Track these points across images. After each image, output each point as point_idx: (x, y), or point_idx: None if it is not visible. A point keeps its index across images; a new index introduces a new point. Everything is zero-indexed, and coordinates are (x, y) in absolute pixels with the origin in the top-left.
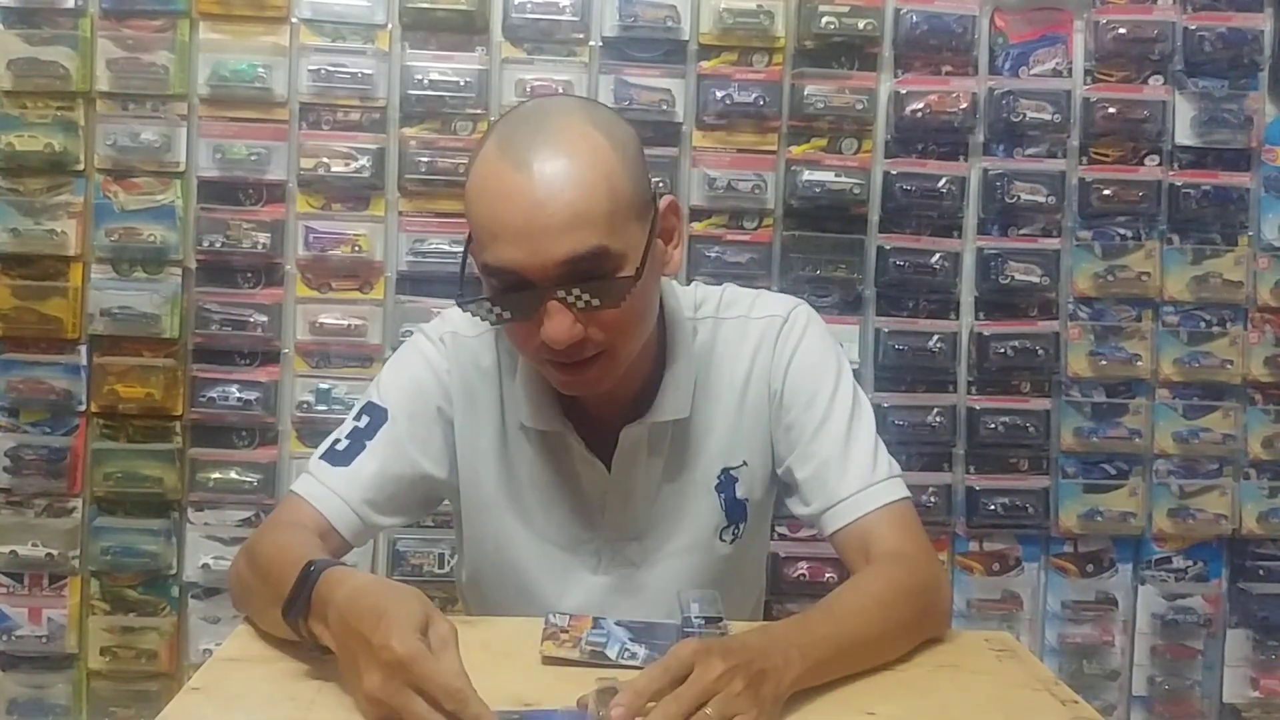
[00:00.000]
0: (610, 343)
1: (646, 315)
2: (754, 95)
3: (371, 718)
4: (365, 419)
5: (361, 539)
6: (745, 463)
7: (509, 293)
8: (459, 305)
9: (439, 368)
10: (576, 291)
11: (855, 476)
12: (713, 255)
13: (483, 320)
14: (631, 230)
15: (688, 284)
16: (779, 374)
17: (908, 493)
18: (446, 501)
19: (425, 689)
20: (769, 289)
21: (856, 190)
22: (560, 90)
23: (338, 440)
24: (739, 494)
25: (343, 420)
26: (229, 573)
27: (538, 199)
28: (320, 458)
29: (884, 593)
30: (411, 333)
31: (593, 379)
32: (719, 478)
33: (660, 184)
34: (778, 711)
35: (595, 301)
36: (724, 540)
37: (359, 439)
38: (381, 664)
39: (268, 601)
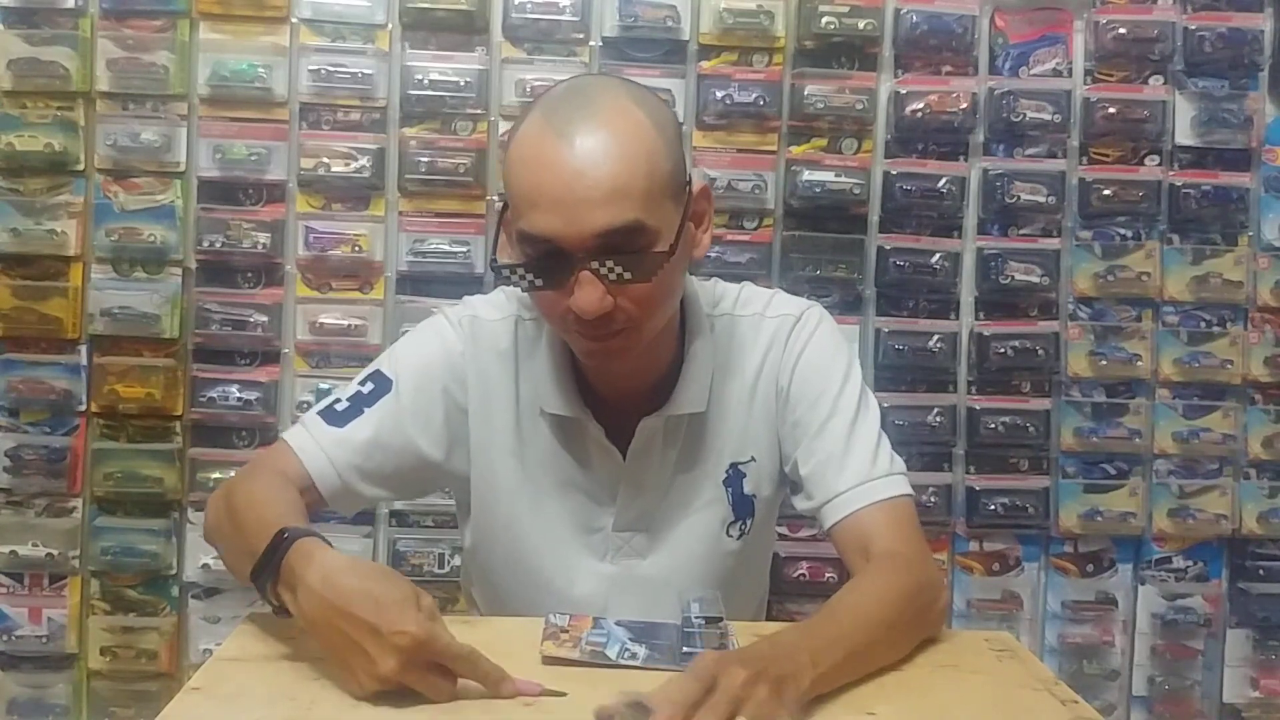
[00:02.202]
0: (636, 317)
1: (673, 294)
2: (754, 95)
3: (367, 691)
4: (370, 385)
5: (341, 502)
6: (753, 458)
7: (543, 260)
8: (492, 269)
9: (454, 351)
10: (610, 264)
11: (854, 472)
12: (713, 255)
13: (514, 285)
14: (667, 208)
15: (709, 280)
16: (787, 371)
17: (910, 490)
18: (449, 500)
19: (447, 664)
20: (783, 291)
21: (856, 190)
22: None
23: (338, 400)
24: (747, 490)
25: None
26: (207, 507)
27: (578, 169)
28: (317, 413)
29: (884, 595)
30: (408, 327)
31: (616, 350)
32: (727, 472)
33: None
34: (801, 714)
35: (627, 275)
36: (731, 535)
37: (358, 404)
38: (398, 649)
39: (239, 553)
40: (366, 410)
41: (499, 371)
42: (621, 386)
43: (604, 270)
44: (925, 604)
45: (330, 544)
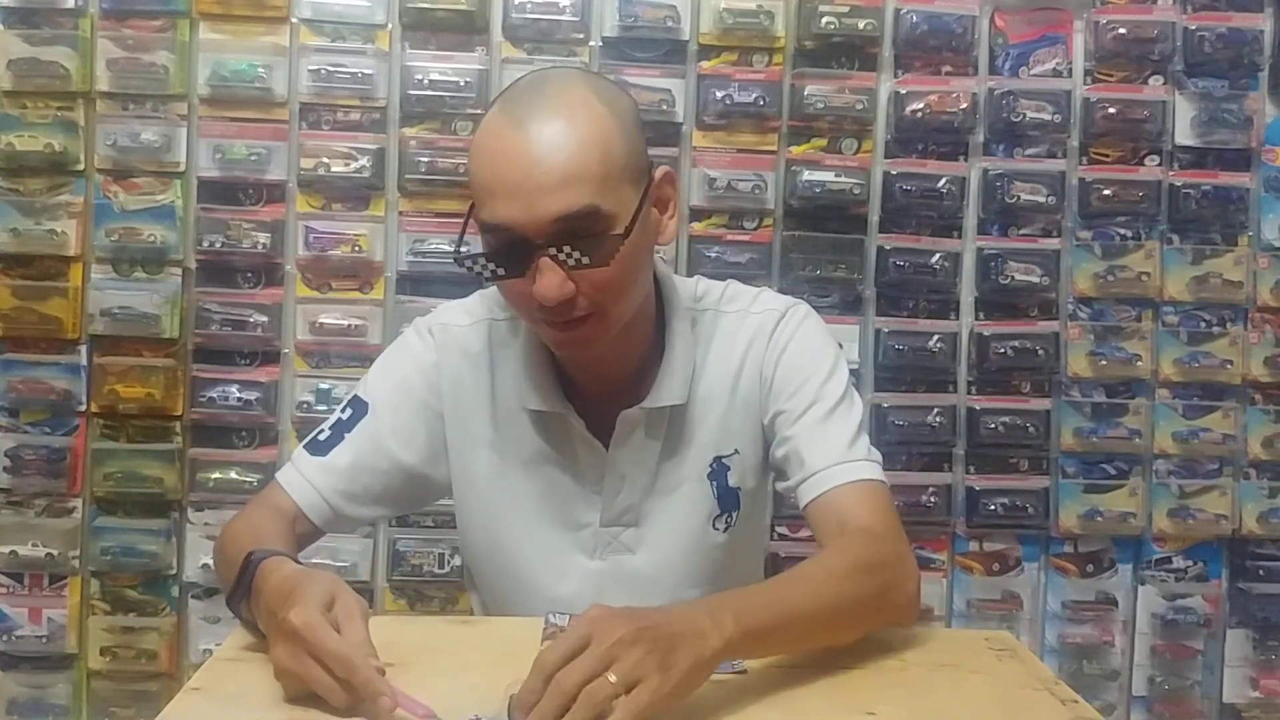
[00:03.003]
0: (600, 303)
1: (636, 279)
2: (754, 95)
3: (289, 690)
4: (349, 412)
5: (335, 527)
6: (737, 451)
7: (504, 249)
8: (455, 262)
9: (425, 362)
10: (567, 249)
11: (831, 452)
12: (713, 255)
13: (478, 275)
14: (624, 193)
15: (692, 277)
16: (771, 363)
17: (884, 479)
18: (449, 500)
19: (320, 658)
20: (770, 289)
21: (856, 190)
22: None
23: (321, 431)
24: (731, 482)
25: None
26: (213, 548)
27: (533, 157)
28: (303, 446)
29: (839, 566)
30: (407, 327)
31: (584, 337)
32: (711, 465)
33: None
34: (696, 679)
35: (585, 259)
36: (717, 528)
37: (339, 431)
38: (284, 635)
39: (226, 582)
40: (347, 436)
41: (472, 375)
42: (600, 378)
43: (562, 256)
44: (887, 581)
45: (299, 562)
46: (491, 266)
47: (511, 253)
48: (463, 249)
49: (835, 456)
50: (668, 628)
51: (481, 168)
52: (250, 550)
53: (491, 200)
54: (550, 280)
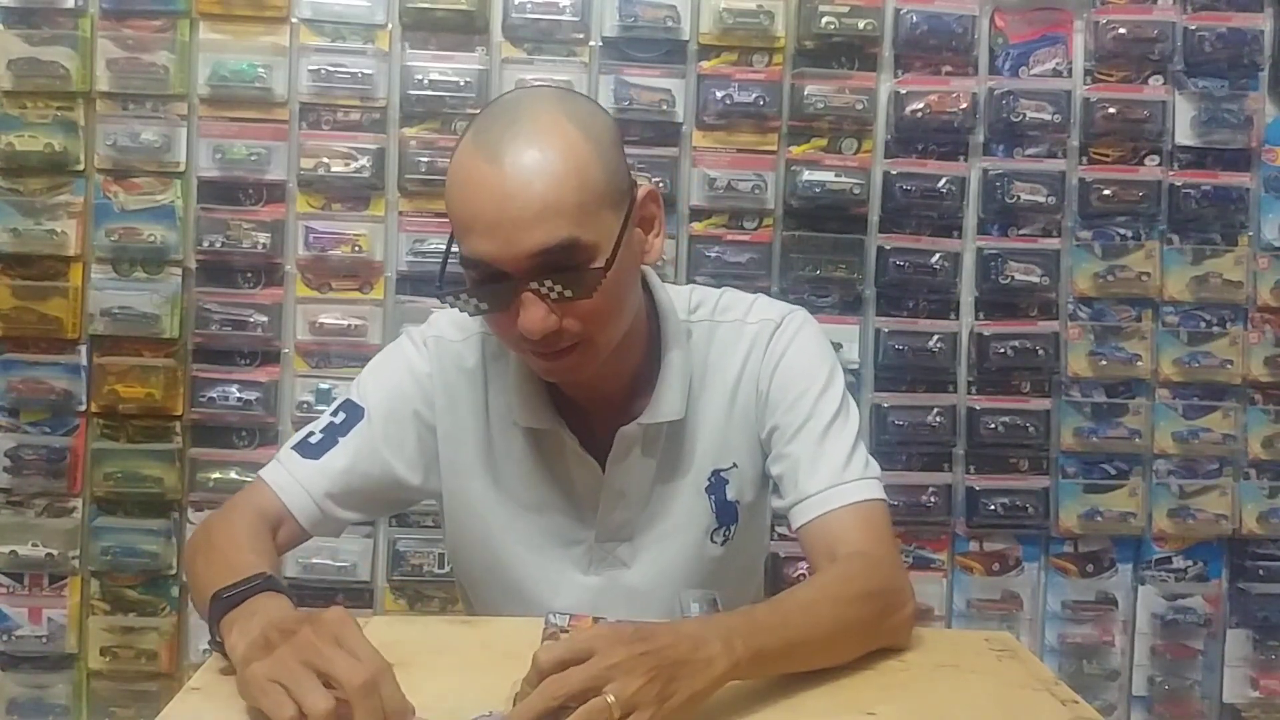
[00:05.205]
0: (587, 332)
1: (623, 305)
2: (754, 95)
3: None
4: (342, 415)
5: (320, 530)
6: (735, 465)
7: (485, 284)
8: (438, 297)
9: (420, 372)
10: (549, 283)
11: (825, 475)
12: (713, 255)
13: (461, 311)
14: (605, 221)
15: (686, 285)
16: (767, 376)
17: (882, 495)
18: (432, 503)
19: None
20: (769, 289)
21: (856, 190)
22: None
23: (311, 433)
24: (729, 496)
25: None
26: (188, 542)
27: (508, 191)
28: (291, 448)
29: (839, 591)
30: (408, 327)
31: (572, 366)
32: (709, 479)
33: (660, 183)
34: (693, 708)
35: (568, 293)
36: (715, 542)
37: (332, 434)
38: (357, 687)
39: (201, 591)
40: (341, 440)
41: (467, 389)
42: (593, 395)
43: (544, 290)
44: (884, 606)
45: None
46: (475, 301)
47: (493, 287)
48: (448, 271)
49: (829, 479)
50: (672, 653)
51: (456, 202)
52: (264, 572)
53: (469, 235)
54: (533, 314)
